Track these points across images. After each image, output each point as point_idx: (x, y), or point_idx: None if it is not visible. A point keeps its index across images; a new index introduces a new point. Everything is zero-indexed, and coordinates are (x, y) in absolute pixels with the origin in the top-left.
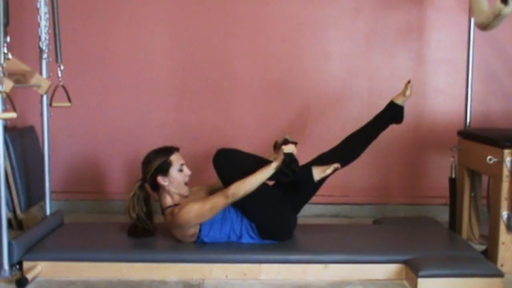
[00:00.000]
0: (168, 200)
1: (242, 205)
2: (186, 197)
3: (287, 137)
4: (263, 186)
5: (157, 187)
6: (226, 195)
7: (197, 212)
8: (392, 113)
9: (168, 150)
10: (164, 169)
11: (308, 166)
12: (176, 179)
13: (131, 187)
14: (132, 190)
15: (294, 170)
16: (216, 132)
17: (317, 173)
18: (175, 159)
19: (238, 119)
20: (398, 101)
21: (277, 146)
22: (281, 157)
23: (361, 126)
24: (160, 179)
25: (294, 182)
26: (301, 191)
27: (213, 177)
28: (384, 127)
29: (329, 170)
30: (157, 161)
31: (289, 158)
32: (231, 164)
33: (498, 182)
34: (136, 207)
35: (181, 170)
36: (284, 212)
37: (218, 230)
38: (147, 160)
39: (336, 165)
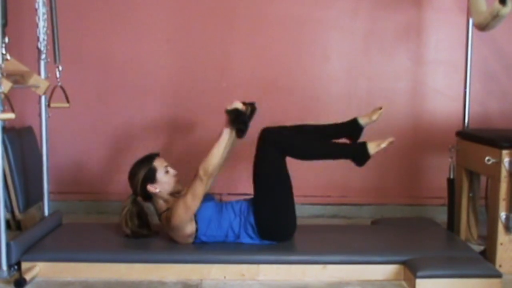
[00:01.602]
0: (163, 205)
1: (258, 193)
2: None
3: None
4: (283, 182)
5: (149, 196)
6: (199, 177)
7: (183, 206)
8: (351, 129)
9: (150, 158)
10: (151, 177)
11: (361, 142)
12: (165, 182)
13: (125, 199)
14: (124, 207)
15: (244, 120)
16: (215, 133)
17: (372, 147)
18: (158, 164)
19: None
20: (362, 121)
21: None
22: (227, 117)
23: (316, 123)
24: (151, 187)
25: (352, 159)
26: (357, 164)
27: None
28: (336, 137)
29: (384, 144)
30: (142, 172)
31: (234, 114)
32: (277, 144)
33: (496, 183)
34: (129, 223)
35: (167, 172)
36: (290, 211)
37: (216, 228)
38: (132, 174)
39: (391, 139)
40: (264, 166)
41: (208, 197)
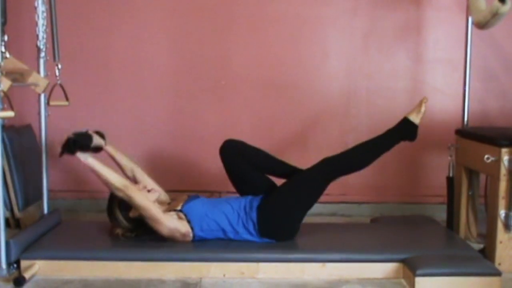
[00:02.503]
0: None
1: (272, 200)
2: (165, 202)
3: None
4: (312, 202)
5: (137, 220)
6: (126, 197)
7: (151, 221)
8: (405, 130)
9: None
10: (126, 205)
11: (402, 119)
12: None
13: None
14: (120, 233)
15: (79, 143)
16: (214, 130)
17: (414, 116)
18: None
19: (236, 118)
20: (412, 118)
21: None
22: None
23: (372, 137)
24: (132, 214)
25: (403, 138)
26: (411, 140)
27: (208, 177)
28: (395, 143)
29: (422, 107)
30: (115, 207)
31: (66, 147)
32: (239, 154)
33: (495, 181)
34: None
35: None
36: (299, 222)
37: (211, 222)
38: (111, 215)
39: (423, 98)
40: (309, 184)
41: (192, 196)
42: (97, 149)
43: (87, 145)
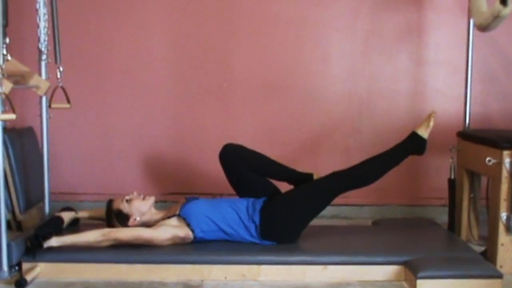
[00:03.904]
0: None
1: (279, 202)
2: (159, 213)
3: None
4: (320, 210)
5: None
6: (105, 240)
7: (145, 241)
8: (415, 145)
9: (108, 207)
10: (123, 217)
11: (411, 133)
12: (135, 208)
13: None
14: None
15: (40, 235)
16: (216, 133)
17: (423, 131)
18: (117, 204)
19: (238, 121)
20: (420, 132)
21: None
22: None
23: (380, 153)
24: (131, 223)
25: (412, 152)
26: (419, 154)
27: (209, 180)
28: (404, 158)
29: (431, 122)
30: (115, 222)
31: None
32: (238, 158)
33: (497, 183)
34: None
35: (128, 200)
36: (303, 226)
37: (211, 223)
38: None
39: (432, 112)
40: (317, 193)
41: (190, 198)
42: (75, 222)
43: (50, 232)
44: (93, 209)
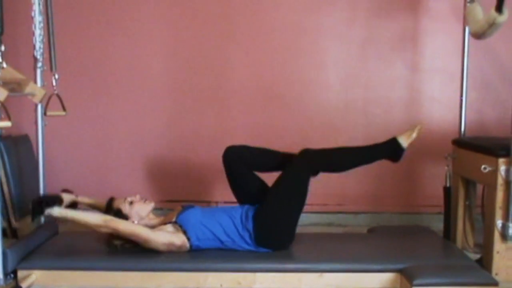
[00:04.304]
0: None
1: (266, 208)
2: (156, 219)
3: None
4: (302, 201)
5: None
6: (104, 227)
7: (142, 240)
8: (391, 151)
9: (109, 202)
10: (122, 217)
11: (391, 138)
12: (135, 211)
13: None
14: (119, 244)
15: (45, 201)
16: (212, 139)
17: (404, 140)
18: (118, 203)
19: (234, 126)
20: (401, 141)
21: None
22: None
23: (357, 146)
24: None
25: (387, 157)
26: (394, 160)
27: (205, 187)
28: (377, 159)
29: (414, 133)
30: (111, 239)
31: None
32: (241, 161)
33: (492, 191)
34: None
35: (130, 203)
36: (293, 227)
37: (207, 231)
38: (109, 245)
39: (419, 126)
40: (292, 182)
41: (187, 206)
42: (74, 205)
43: (53, 201)
44: (94, 197)
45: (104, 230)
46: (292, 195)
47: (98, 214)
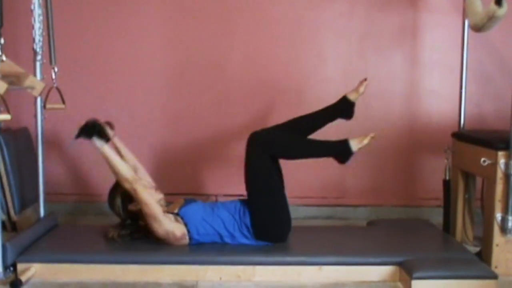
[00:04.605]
0: None
1: (251, 194)
2: (162, 206)
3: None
4: (280, 183)
5: (136, 215)
6: (131, 189)
7: (149, 218)
8: (343, 108)
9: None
10: (129, 197)
11: (343, 139)
12: None
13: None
14: (115, 234)
15: (83, 128)
16: (211, 133)
17: (355, 144)
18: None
19: (233, 120)
20: (351, 97)
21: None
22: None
23: (309, 112)
24: (132, 206)
25: (335, 157)
26: (340, 162)
27: (204, 179)
28: (331, 120)
29: (366, 140)
30: (118, 195)
31: (79, 134)
32: (264, 150)
33: (492, 184)
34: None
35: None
36: (284, 212)
37: (208, 226)
38: (111, 201)
39: (373, 134)
40: (254, 168)
41: (189, 200)
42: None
43: (105, 131)
44: (125, 147)
45: (126, 185)
46: (263, 183)
47: (130, 170)
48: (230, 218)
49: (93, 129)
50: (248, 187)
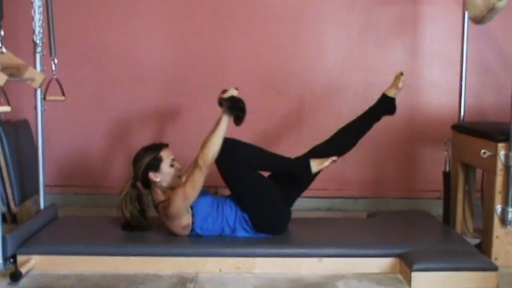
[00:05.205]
0: (161, 196)
1: (238, 196)
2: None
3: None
4: (260, 178)
5: (149, 184)
6: (199, 167)
7: (182, 195)
8: (385, 105)
9: (158, 146)
10: (155, 165)
11: (305, 159)
12: (168, 174)
13: (124, 183)
14: (124, 189)
15: (242, 107)
16: (210, 125)
17: (315, 165)
18: (165, 154)
19: None
20: (390, 94)
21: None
22: (225, 105)
23: (354, 118)
24: (152, 175)
25: (292, 175)
26: (298, 183)
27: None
28: (376, 119)
29: (327, 162)
30: (147, 158)
31: (231, 101)
32: (231, 154)
33: (492, 176)
34: (129, 206)
35: (172, 165)
36: (278, 205)
37: (212, 222)
38: (138, 158)
39: (334, 157)
40: (226, 173)
41: (203, 191)
42: None
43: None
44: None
45: (204, 160)
46: (242, 184)
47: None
48: (231, 213)
49: (241, 110)
50: (231, 191)
